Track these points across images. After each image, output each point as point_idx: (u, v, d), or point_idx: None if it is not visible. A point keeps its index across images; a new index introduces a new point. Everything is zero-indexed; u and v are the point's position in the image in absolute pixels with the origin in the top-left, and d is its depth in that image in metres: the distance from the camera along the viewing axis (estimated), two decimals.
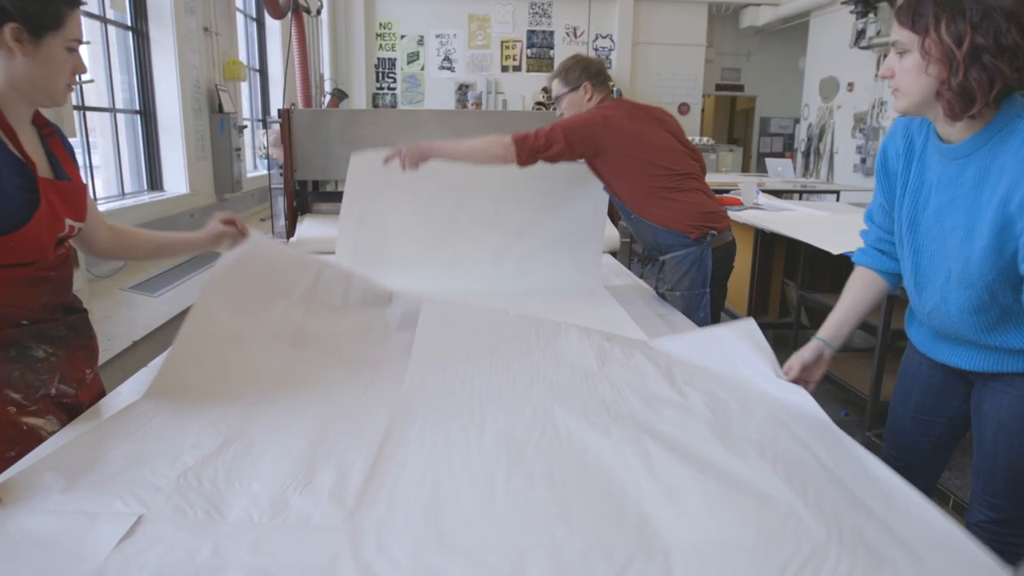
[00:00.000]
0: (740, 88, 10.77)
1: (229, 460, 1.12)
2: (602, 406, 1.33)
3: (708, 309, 2.25)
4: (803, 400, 1.36)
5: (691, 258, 2.22)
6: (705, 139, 9.48)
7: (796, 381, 1.48)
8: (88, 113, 3.69)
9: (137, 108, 4.23)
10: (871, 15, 7.38)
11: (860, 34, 7.53)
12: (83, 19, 3.30)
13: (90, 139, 3.69)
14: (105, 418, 1.26)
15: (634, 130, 2.19)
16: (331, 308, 1.69)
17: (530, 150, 2.11)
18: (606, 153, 2.17)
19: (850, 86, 8.12)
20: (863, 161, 7.76)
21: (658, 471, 1.07)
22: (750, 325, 1.60)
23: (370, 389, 1.43)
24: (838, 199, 6.19)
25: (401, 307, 1.77)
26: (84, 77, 1.29)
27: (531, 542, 0.90)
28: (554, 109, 2.44)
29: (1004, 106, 1.17)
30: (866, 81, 7.72)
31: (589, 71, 2.31)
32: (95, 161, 3.84)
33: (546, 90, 9.04)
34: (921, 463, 1.56)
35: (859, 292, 1.53)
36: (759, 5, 9.59)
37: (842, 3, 7.77)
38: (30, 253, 1.20)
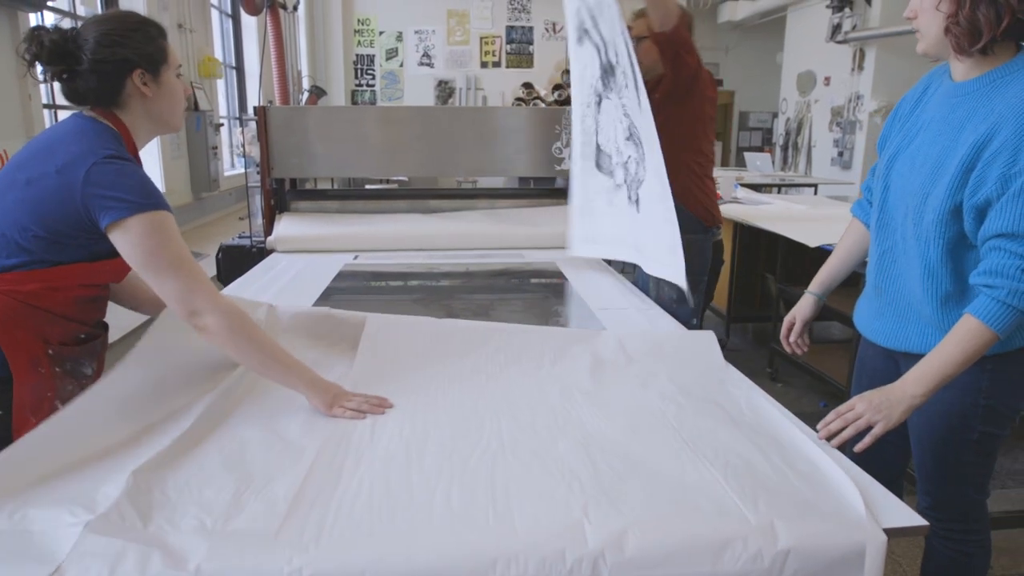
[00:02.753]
0: (719, 83, 10.83)
1: (177, 468, 1.07)
2: (551, 414, 1.29)
3: (701, 297, 2.28)
4: (756, 400, 1.36)
5: (696, 246, 2.22)
6: None
7: (799, 340, 1.63)
8: (59, 112, 3.62)
9: None
10: (847, 10, 7.44)
11: (836, 28, 7.59)
12: (51, 15, 3.25)
13: None
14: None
15: (713, 110, 2.20)
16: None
17: (686, 37, 2.05)
18: (692, 104, 2.13)
19: (827, 80, 8.18)
20: (840, 155, 7.83)
21: (605, 483, 1.04)
22: (708, 337, 1.63)
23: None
24: (816, 192, 6.25)
25: (345, 322, 1.70)
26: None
27: (469, 559, 0.87)
28: (534, 104, 2.43)
29: (1019, 56, 1.19)
30: (842, 75, 7.78)
31: (684, 22, 2.20)
32: None
33: (526, 85, 9.05)
34: (881, 451, 1.59)
35: (848, 247, 1.62)
36: (736, 0, 9.64)
37: None
38: (116, 276, 1.30)
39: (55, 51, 1.22)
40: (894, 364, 1.47)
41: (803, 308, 1.64)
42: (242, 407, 1.31)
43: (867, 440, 1.23)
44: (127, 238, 1.19)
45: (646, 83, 2.25)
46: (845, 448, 1.22)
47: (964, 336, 1.20)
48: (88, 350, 1.33)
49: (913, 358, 1.33)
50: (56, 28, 1.24)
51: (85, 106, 1.29)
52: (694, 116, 2.15)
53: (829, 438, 1.21)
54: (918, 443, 1.45)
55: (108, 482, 1.00)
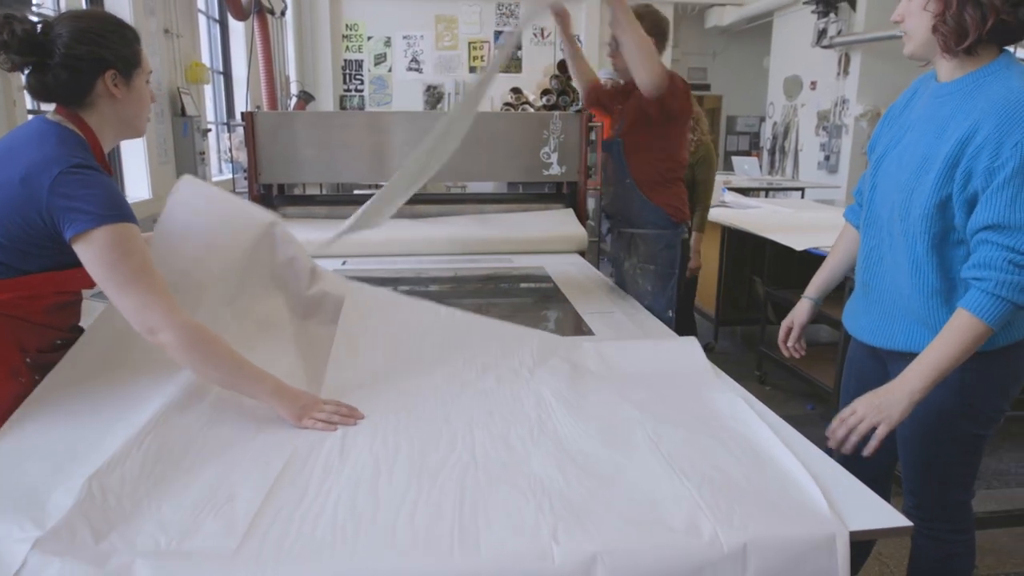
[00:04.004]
0: (707, 87, 10.88)
1: (135, 472, 1.04)
2: (526, 425, 1.27)
3: (675, 290, 2.35)
4: (738, 408, 1.33)
5: (665, 239, 2.31)
6: None
7: (796, 344, 1.68)
8: None
9: None
10: (832, 15, 7.51)
11: (821, 34, 7.66)
12: (36, 20, 3.22)
13: None
14: None
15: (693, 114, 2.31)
16: (261, 299, 1.58)
17: (679, 90, 2.15)
18: (673, 119, 2.22)
19: (813, 85, 8.25)
20: (827, 158, 7.89)
21: (577, 503, 1.01)
22: (691, 343, 1.64)
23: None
24: (803, 196, 6.29)
25: (324, 296, 1.67)
26: None
27: None
28: (523, 109, 2.50)
29: (1001, 57, 1.24)
30: (828, 79, 7.85)
31: (658, 29, 2.28)
32: None
33: (515, 90, 9.07)
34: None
35: (842, 251, 1.66)
36: (724, 5, 9.69)
37: (804, 3, 7.89)
38: (89, 283, 1.26)
39: (26, 41, 1.19)
40: (881, 364, 1.48)
41: (800, 312, 1.67)
42: (210, 413, 1.27)
43: (873, 443, 1.25)
44: (90, 250, 1.16)
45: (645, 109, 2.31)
46: (834, 451, 1.23)
47: (958, 330, 1.22)
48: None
49: (898, 356, 1.36)
50: (26, 18, 1.21)
51: (50, 102, 1.27)
52: (679, 132, 2.28)
53: (838, 448, 1.24)
54: (904, 443, 1.47)
55: (58, 487, 0.97)
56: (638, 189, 2.27)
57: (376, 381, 1.44)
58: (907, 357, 1.34)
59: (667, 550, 0.91)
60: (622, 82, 2.47)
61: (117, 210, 1.18)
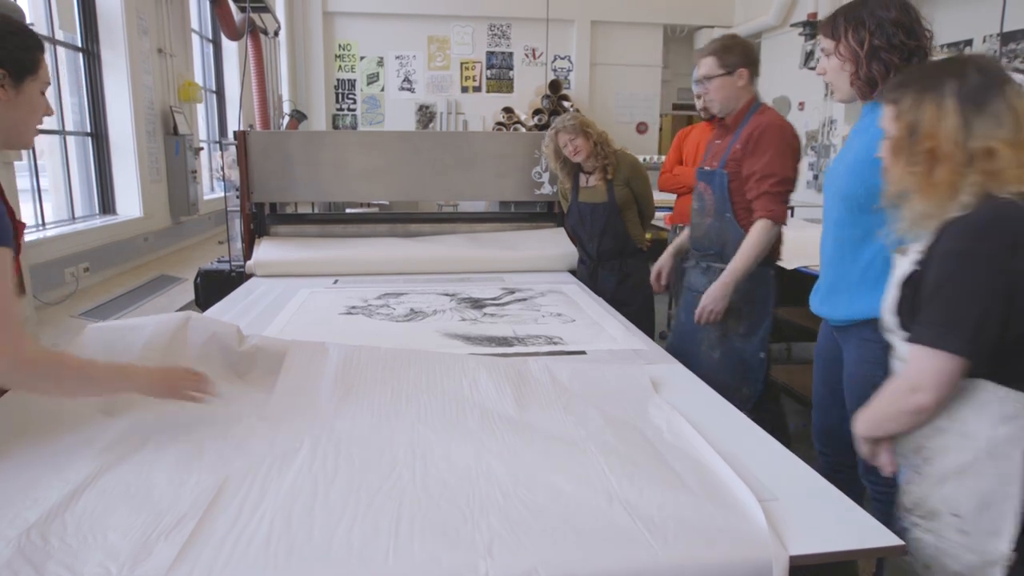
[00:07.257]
0: None
1: (79, 512, 1.01)
2: (469, 442, 1.25)
3: (768, 332, 2.21)
4: (679, 425, 1.35)
5: (761, 276, 2.19)
6: (663, 157, 9.60)
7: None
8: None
9: (88, 130, 4.15)
10: (819, 37, 7.62)
11: (809, 55, 7.77)
12: None
13: (38, 162, 3.60)
14: None
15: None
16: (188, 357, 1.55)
17: (783, 211, 2.15)
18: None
19: (801, 105, 8.35)
20: (815, 177, 7.97)
21: (514, 519, 1.01)
22: (641, 376, 1.60)
23: (231, 424, 1.30)
24: (792, 215, 6.34)
25: (258, 351, 1.64)
26: None
27: None
28: (514, 128, 2.45)
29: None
30: (816, 100, 7.95)
31: (749, 57, 2.16)
32: (43, 184, 3.74)
33: (507, 110, 9.13)
34: (838, 431, 1.73)
35: None
36: (712, 27, 9.83)
37: (791, 25, 8.01)
38: None
39: None
40: (834, 340, 1.72)
41: None
42: (148, 442, 1.25)
43: None
44: None
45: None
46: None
47: None
48: None
49: (843, 329, 1.64)
50: None
51: None
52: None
53: None
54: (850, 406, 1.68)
55: None
56: (738, 223, 2.17)
57: (319, 400, 1.43)
58: (848, 328, 1.61)
59: (602, 562, 0.91)
60: (715, 116, 2.40)
61: None
